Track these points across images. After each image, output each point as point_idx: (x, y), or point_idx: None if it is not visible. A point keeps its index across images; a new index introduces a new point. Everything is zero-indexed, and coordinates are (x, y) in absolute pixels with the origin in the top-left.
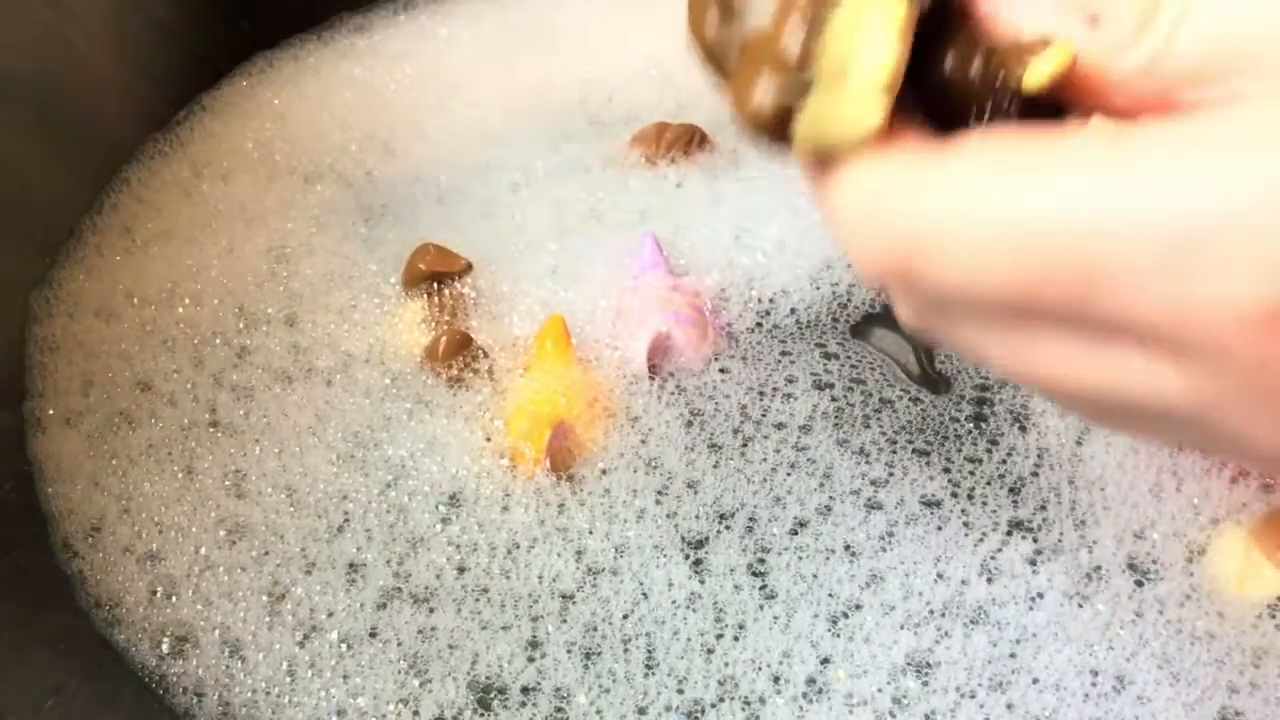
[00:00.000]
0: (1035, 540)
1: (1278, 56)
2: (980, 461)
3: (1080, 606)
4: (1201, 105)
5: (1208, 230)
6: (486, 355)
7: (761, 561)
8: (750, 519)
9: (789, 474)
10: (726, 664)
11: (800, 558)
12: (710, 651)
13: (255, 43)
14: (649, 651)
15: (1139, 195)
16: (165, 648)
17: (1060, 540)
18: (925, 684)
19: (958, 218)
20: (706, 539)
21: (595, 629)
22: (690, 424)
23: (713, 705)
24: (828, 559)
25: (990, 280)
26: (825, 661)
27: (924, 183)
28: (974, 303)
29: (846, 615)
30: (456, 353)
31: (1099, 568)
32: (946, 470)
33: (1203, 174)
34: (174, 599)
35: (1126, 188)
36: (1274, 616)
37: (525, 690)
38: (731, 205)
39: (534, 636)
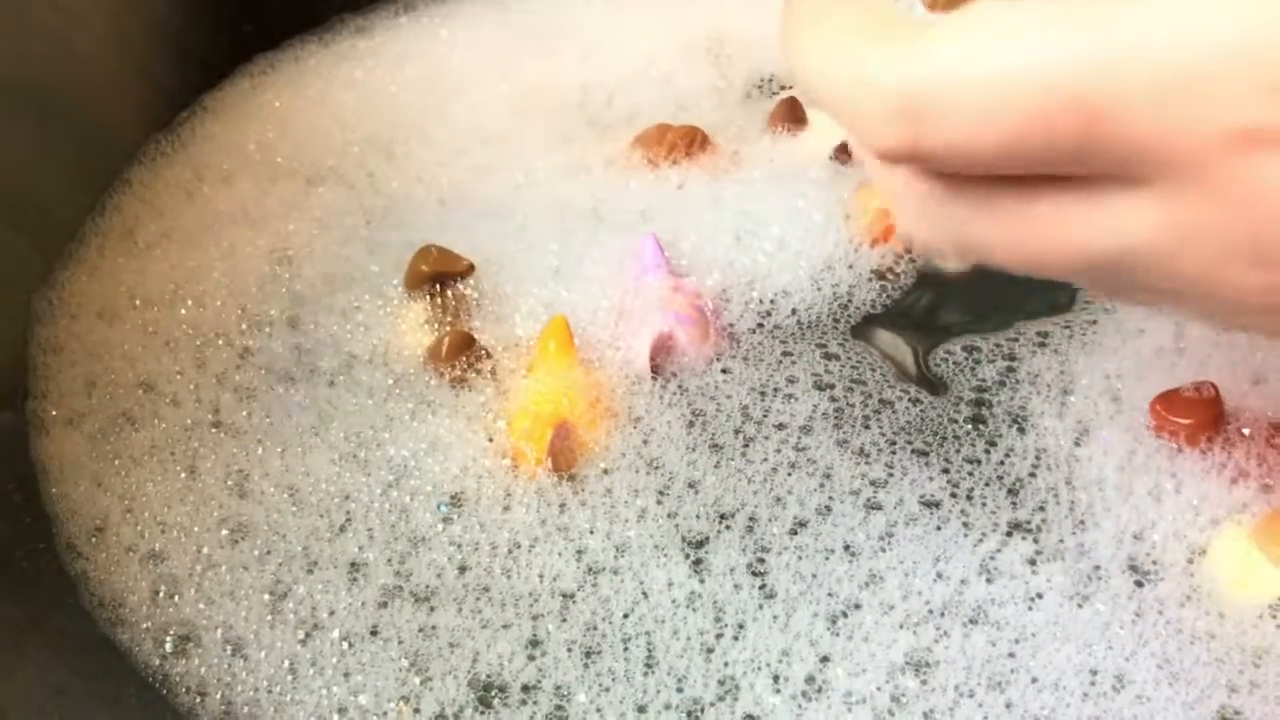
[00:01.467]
0: (1035, 541)
1: None
2: (979, 462)
3: (1080, 607)
4: None
5: (1198, 63)
6: (489, 356)
7: (761, 561)
8: (750, 519)
9: (789, 474)
10: (726, 663)
11: (800, 557)
12: (710, 651)
13: (257, 44)
14: (649, 650)
15: (1139, 33)
16: (168, 647)
17: (1060, 541)
18: (924, 683)
19: (966, 73)
20: (707, 539)
21: (595, 628)
22: (692, 424)
23: (712, 704)
24: (827, 559)
25: (998, 132)
26: (824, 660)
27: (926, 43)
28: (979, 163)
29: (846, 615)
30: (459, 353)
31: (1098, 568)
32: (945, 471)
33: (1196, 11)
34: (177, 599)
35: (1127, 27)
36: (1274, 616)
37: (526, 688)
38: (733, 206)
39: (534, 635)
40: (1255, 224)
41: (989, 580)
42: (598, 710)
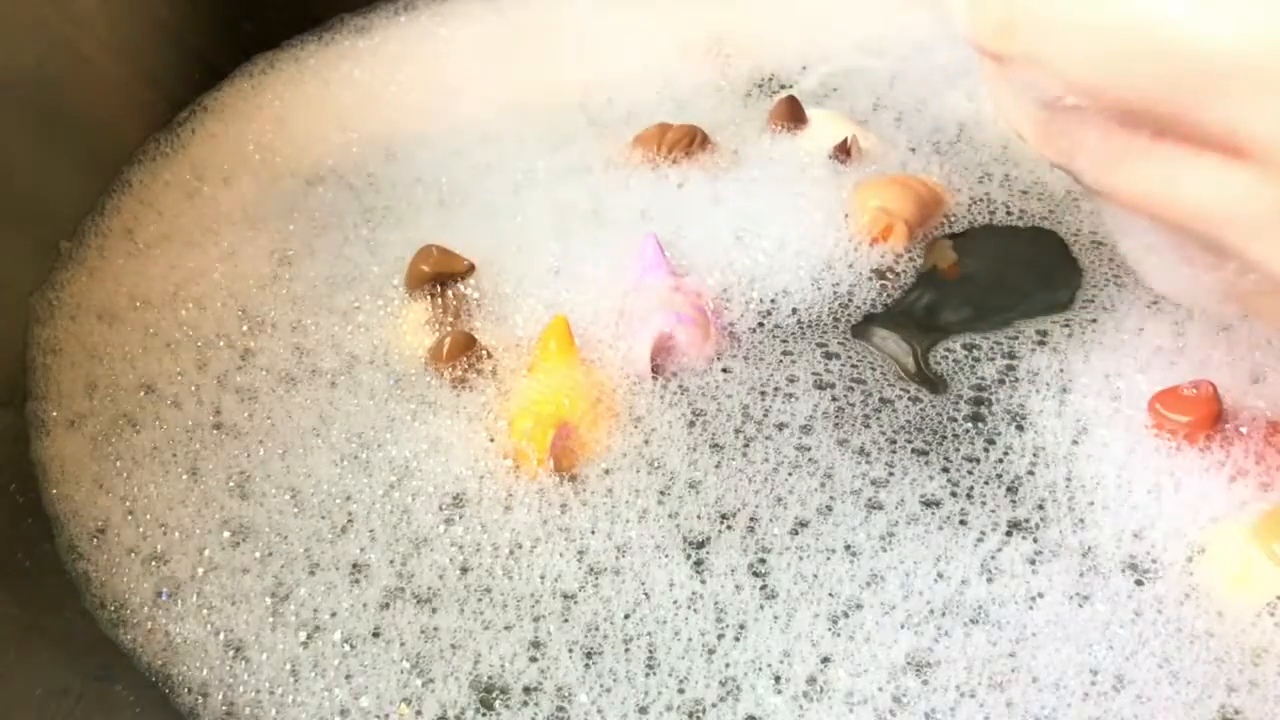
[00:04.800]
0: (1035, 540)
1: None
2: (978, 461)
3: (1080, 606)
4: None
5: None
6: (490, 356)
7: (762, 561)
8: (751, 519)
9: (790, 474)
10: (727, 664)
11: (801, 557)
12: (711, 651)
13: (256, 44)
14: (650, 651)
15: (1266, 25)
16: (169, 649)
17: (1060, 540)
18: (925, 683)
19: (1090, 12)
20: (708, 539)
21: (597, 629)
22: (693, 424)
23: (713, 705)
24: (828, 559)
25: (1111, 82)
26: (826, 661)
27: None
28: (1065, 89)
29: (847, 615)
30: (460, 354)
31: (1098, 567)
32: (945, 470)
33: None
34: (178, 600)
35: (1257, 15)
36: (1273, 615)
37: (527, 690)
38: (733, 206)
39: (536, 636)
40: None
41: (989, 580)
42: (599, 711)
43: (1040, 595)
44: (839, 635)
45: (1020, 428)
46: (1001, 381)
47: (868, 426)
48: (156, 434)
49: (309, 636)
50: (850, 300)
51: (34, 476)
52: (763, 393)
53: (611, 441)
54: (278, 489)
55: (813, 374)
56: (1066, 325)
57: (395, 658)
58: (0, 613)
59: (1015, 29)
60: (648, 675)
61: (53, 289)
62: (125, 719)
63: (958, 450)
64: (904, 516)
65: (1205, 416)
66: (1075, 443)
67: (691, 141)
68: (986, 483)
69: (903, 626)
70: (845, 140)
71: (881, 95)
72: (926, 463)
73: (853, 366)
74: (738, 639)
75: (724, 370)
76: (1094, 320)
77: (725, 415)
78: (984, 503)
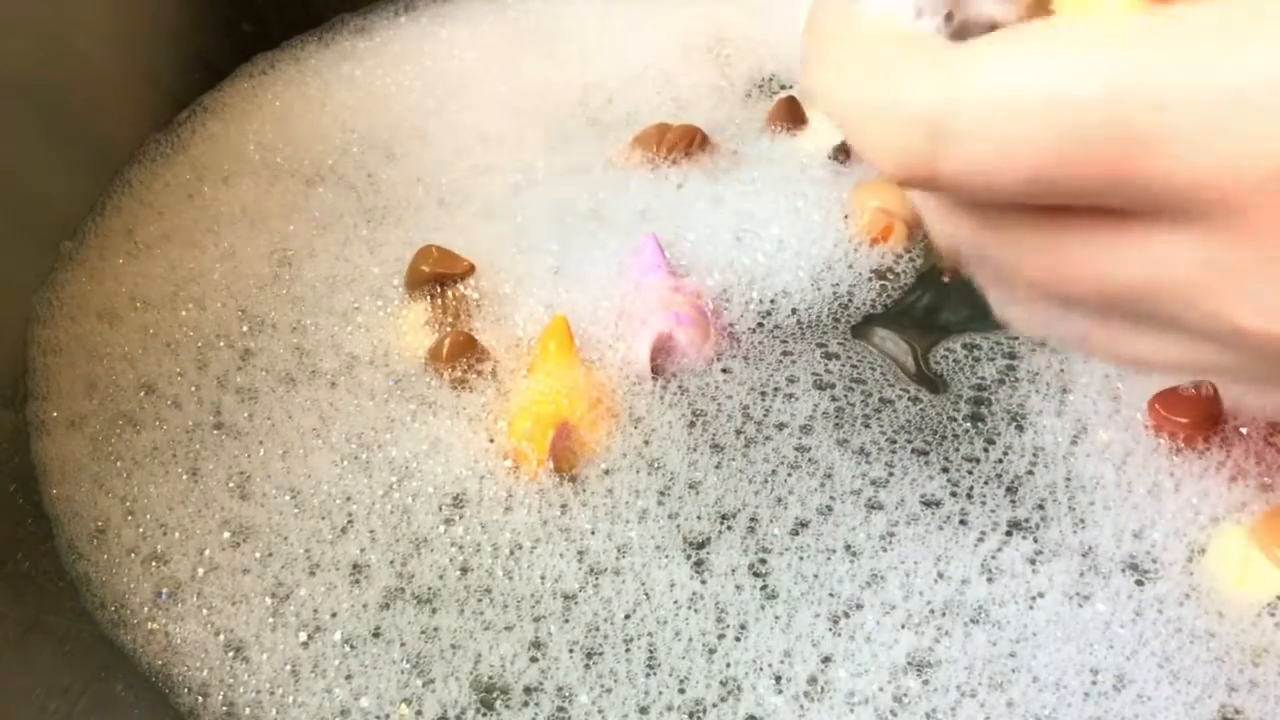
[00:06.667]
0: (1035, 540)
1: None
2: (978, 461)
3: (1080, 606)
4: None
5: (1247, 96)
6: (490, 357)
7: (763, 561)
8: (751, 519)
9: (790, 474)
10: (728, 664)
11: (801, 558)
12: (712, 651)
13: (256, 44)
14: (650, 651)
15: (1185, 62)
16: (169, 649)
17: (1060, 540)
18: (926, 683)
19: (995, 93)
20: (708, 539)
21: (597, 629)
22: (693, 424)
23: (714, 705)
24: (828, 559)
25: (1028, 158)
26: (826, 661)
27: (952, 61)
28: (1002, 191)
29: (847, 615)
30: (460, 354)
31: (1098, 567)
32: (945, 470)
33: (1245, 39)
34: (178, 600)
35: (1173, 54)
36: (1273, 616)
37: (528, 690)
38: (732, 206)
39: (536, 637)
40: None
41: (990, 580)
42: (600, 711)
43: (1040, 595)
44: (839, 635)
45: (1020, 428)
46: (1001, 381)
47: (868, 426)
48: (156, 434)
49: (309, 637)
50: (850, 300)
51: (34, 477)
52: (762, 393)
53: (611, 442)
54: (278, 489)
55: (812, 374)
56: None
57: (395, 658)
58: (0, 613)
59: (937, 138)
60: (648, 675)
61: (53, 289)
62: (125, 719)
63: (958, 450)
64: (904, 516)
65: (1205, 417)
66: (1075, 443)
67: (691, 142)
68: (986, 483)
69: (903, 626)
70: (845, 141)
71: None
72: (926, 463)
73: (853, 367)
74: (738, 639)
75: (724, 371)
76: None
77: (725, 416)
78: (984, 503)
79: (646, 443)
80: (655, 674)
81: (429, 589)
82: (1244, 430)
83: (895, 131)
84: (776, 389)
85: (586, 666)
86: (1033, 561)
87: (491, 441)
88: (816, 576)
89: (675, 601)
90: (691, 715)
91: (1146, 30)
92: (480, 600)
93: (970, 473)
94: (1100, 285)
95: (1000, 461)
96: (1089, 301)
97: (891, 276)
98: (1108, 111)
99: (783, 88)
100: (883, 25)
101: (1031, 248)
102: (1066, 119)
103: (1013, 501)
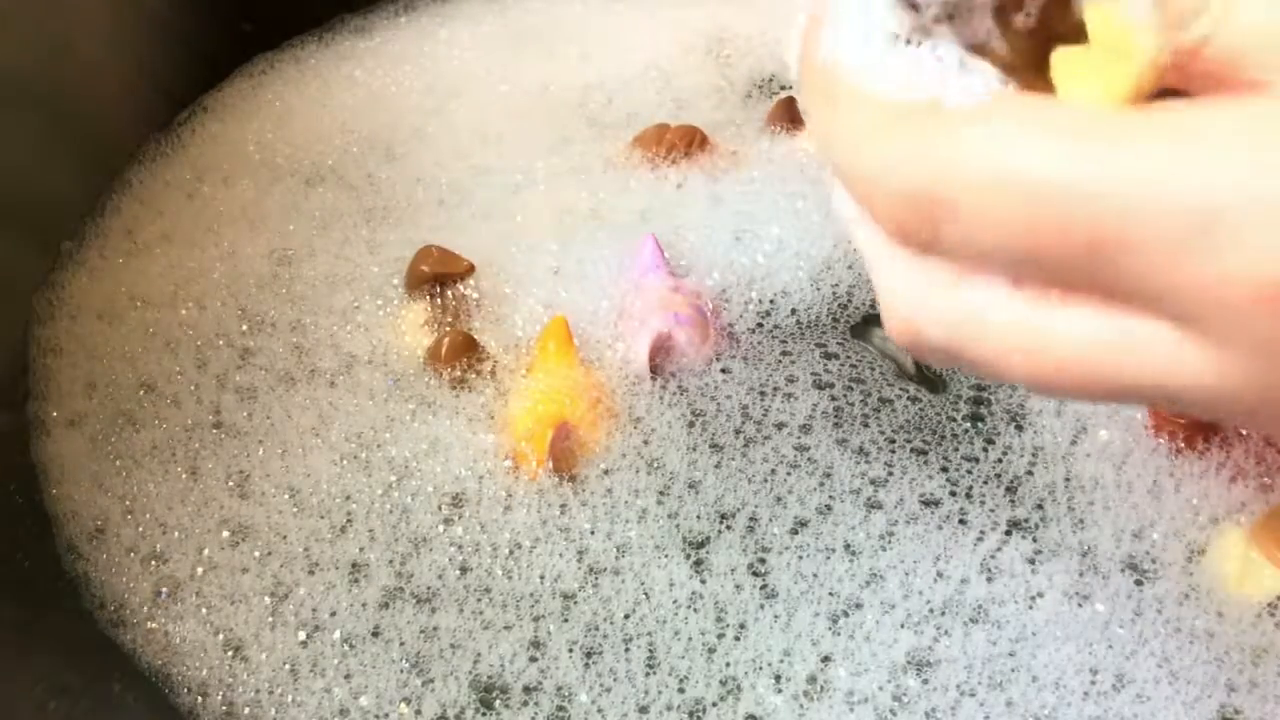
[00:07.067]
0: (1034, 540)
1: None
2: (977, 460)
3: (1079, 606)
4: (1253, 87)
5: (1222, 209)
6: (489, 356)
7: (762, 561)
8: (751, 519)
9: (789, 474)
10: (728, 663)
11: (801, 557)
12: (711, 651)
13: (256, 44)
14: (650, 651)
15: (1163, 168)
16: (169, 648)
17: (1059, 540)
18: (925, 682)
19: (986, 171)
20: (708, 539)
21: (597, 628)
22: (692, 424)
23: (714, 704)
24: (828, 558)
25: (1016, 237)
26: (826, 660)
27: (955, 134)
28: (995, 261)
29: (847, 614)
30: (459, 354)
31: (1098, 567)
32: (945, 469)
33: (1229, 156)
34: (177, 600)
35: (1153, 158)
36: (1273, 616)
37: (527, 689)
38: (732, 206)
39: (536, 636)
40: None
41: (989, 579)
42: (599, 711)
43: (1040, 595)
44: (839, 634)
45: (1019, 427)
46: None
47: (867, 426)
48: (156, 433)
49: (308, 636)
50: (849, 300)
51: (34, 476)
52: (762, 393)
53: (611, 442)
54: (277, 488)
55: (812, 374)
56: None
57: (395, 657)
58: (0, 613)
59: (937, 204)
60: (648, 675)
61: (53, 289)
62: (125, 719)
63: (957, 450)
64: (903, 516)
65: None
66: (1074, 443)
67: (691, 142)
68: (986, 482)
69: (903, 626)
70: None
71: None
72: (926, 462)
73: (852, 366)
74: (738, 638)
75: (723, 370)
76: None
77: (725, 415)
78: (983, 502)
79: (646, 442)
80: (655, 673)
81: (428, 588)
82: (1244, 431)
83: (899, 196)
84: (776, 389)
85: (586, 666)
86: (1032, 561)
87: (491, 441)
88: (816, 576)
89: (675, 601)
90: (691, 715)
91: (1132, 126)
92: (480, 600)
93: (970, 472)
94: (1089, 378)
95: (1000, 461)
96: (1074, 395)
97: None
98: (1087, 205)
99: (783, 88)
100: (864, 84)
101: (1018, 323)
102: (1047, 204)
103: (1012, 501)
